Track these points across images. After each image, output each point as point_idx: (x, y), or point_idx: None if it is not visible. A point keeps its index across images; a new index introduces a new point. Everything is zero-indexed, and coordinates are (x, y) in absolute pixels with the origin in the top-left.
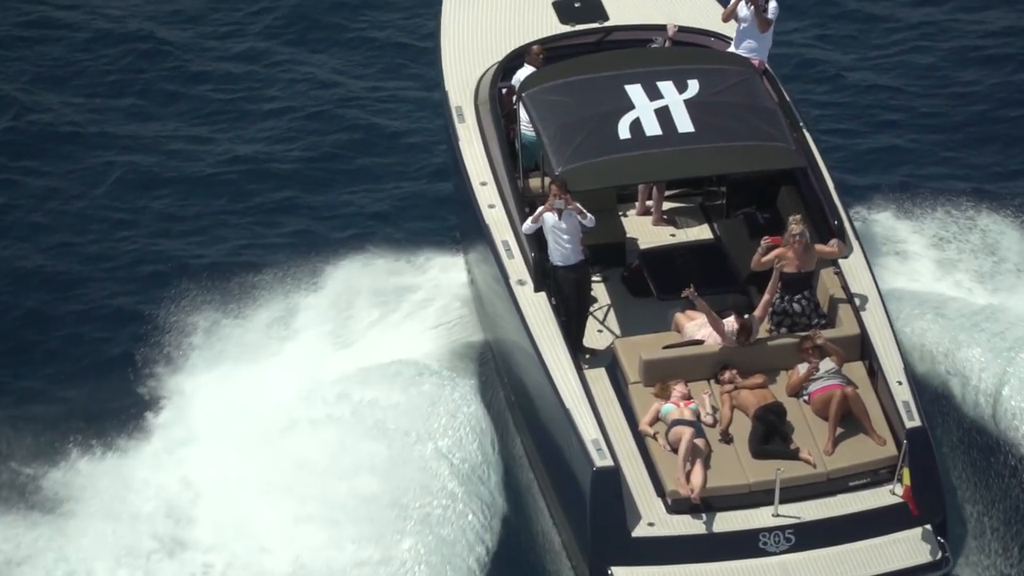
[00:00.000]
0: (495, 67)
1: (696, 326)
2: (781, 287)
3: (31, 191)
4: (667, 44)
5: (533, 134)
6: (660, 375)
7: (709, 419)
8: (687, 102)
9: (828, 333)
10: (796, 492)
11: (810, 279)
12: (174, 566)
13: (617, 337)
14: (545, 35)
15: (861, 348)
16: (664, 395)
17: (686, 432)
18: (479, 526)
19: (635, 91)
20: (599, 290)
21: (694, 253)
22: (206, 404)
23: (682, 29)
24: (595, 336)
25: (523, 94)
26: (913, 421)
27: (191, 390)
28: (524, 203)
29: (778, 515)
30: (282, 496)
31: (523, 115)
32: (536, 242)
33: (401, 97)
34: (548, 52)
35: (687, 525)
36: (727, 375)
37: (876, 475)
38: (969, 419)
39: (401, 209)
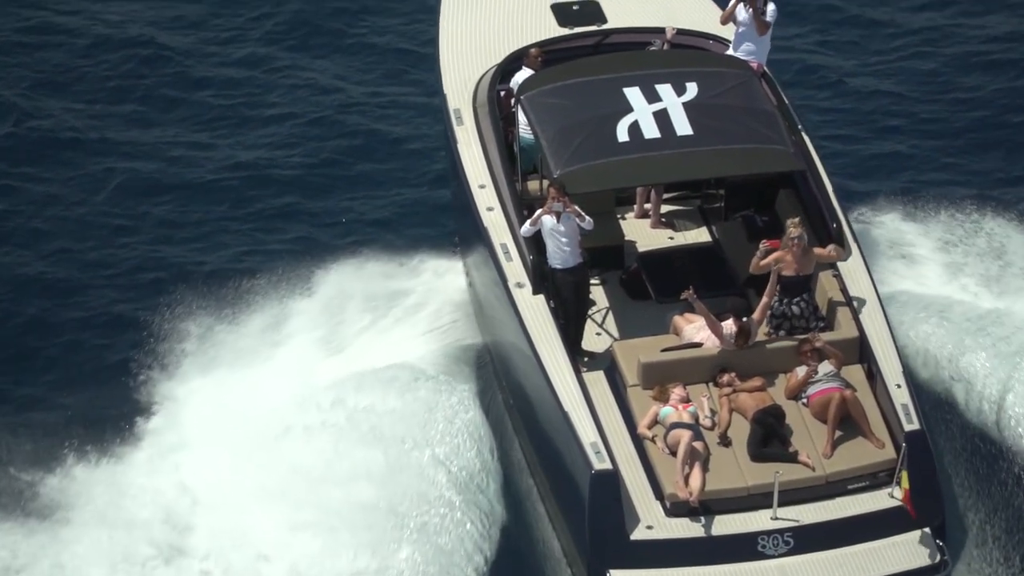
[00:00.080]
0: (493, 70)
1: (695, 329)
2: (780, 290)
3: (31, 197)
4: (665, 47)
5: (532, 137)
6: (659, 378)
7: (708, 422)
8: (686, 105)
9: (827, 336)
10: (795, 495)
11: (809, 282)
12: (171, 573)
13: (616, 340)
14: (543, 38)
15: (860, 351)
16: (663, 398)
17: (685, 435)
18: (477, 535)
19: (633, 94)
20: (597, 293)
21: (692, 256)
22: (201, 410)
23: (680, 32)
24: (594, 339)
25: (522, 97)
26: (912, 424)
27: (186, 396)
28: (523, 206)
29: (777, 518)
30: (278, 503)
31: (522, 118)
32: (535, 245)
33: (402, 103)
34: (546, 55)
35: (686, 528)
36: (726, 378)
37: (875, 478)
38: (972, 426)
39: (402, 216)
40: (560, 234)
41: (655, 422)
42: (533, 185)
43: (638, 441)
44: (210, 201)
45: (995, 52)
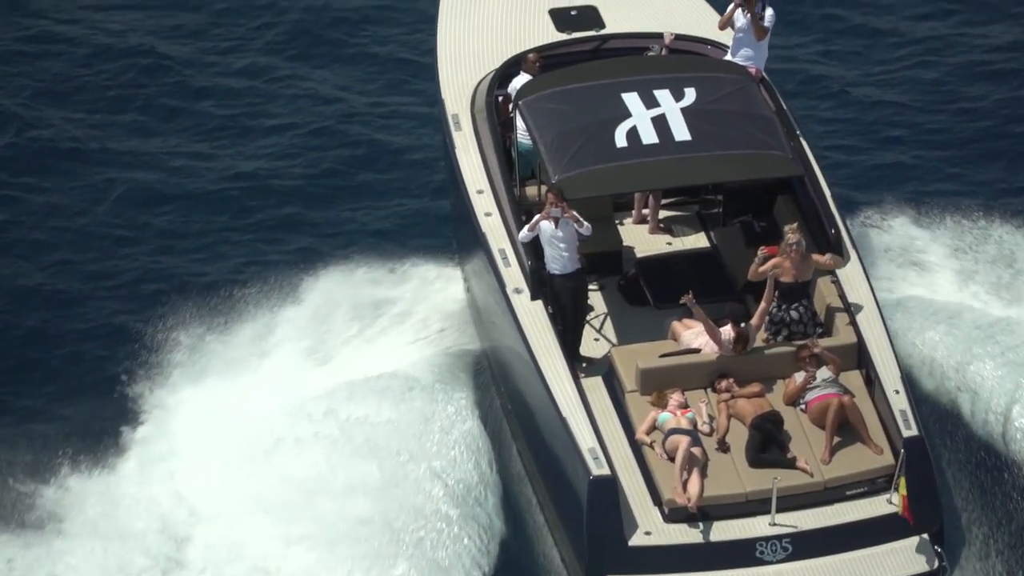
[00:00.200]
0: (492, 75)
1: (693, 335)
2: (778, 296)
3: (32, 208)
4: (664, 52)
5: (530, 142)
6: (657, 384)
7: (706, 428)
8: (684, 110)
9: (825, 342)
10: (793, 501)
11: (807, 288)
12: None
13: (614, 346)
14: (542, 43)
15: (858, 357)
16: (661, 404)
17: (683, 441)
18: (476, 550)
19: (632, 99)
20: (596, 299)
21: (691, 261)
22: (194, 422)
23: (679, 37)
24: (592, 345)
25: (520, 102)
26: (910, 430)
27: (179, 407)
28: (521, 211)
29: (775, 524)
30: (272, 516)
31: (520, 123)
32: (533, 250)
33: (403, 113)
34: (544, 60)
35: (684, 534)
36: (724, 384)
37: (873, 484)
38: (978, 438)
39: (403, 227)
40: (558, 240)
41: (653, 428)
42: (531, 190)
43: (636, 447)
44: (211, 211)
45: (998, 62)
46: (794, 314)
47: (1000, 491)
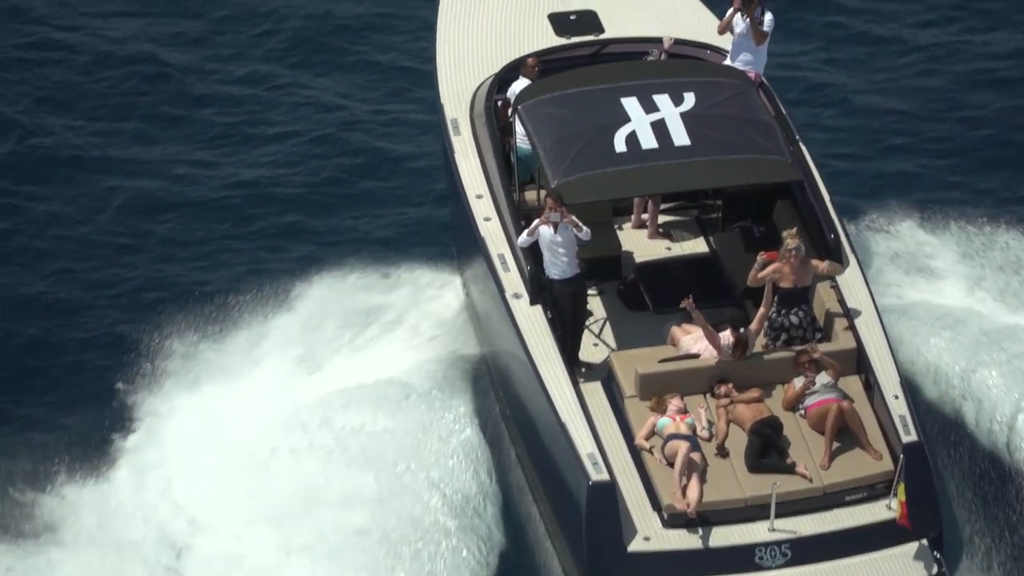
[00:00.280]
0: (491, 79)
1: (692, 340)
2: (778, 301)
3: (33, 216)
4: (663, 57)
5: (529, 147)
6: (656, 389)
7: (705, 433)
8: (683, 115)
9: (824, 347)
10: (792, 507)
11: (806, 293)
12: None
13: (613, 351)
14: (541, 47)
15: (857, 362)
16: (660, 409)
17: (682, 446)
18: (475, 563)
19: (631, 104)
20: (595, 304)
21: (690, 266)
22: (192, 432)
23: (678, 42)
24: (591, 350)
25: (519, 106)
26: (909, 436)
27: (176, 417)
28: (520, 216)
29: (774, 530)
30: (269, 527)
31: (519, 128)
32: (532, 255)
33: (405, 121)
34: (544, 64)
35: (683, 539)
36: (723, 389)
37: (872, 490)
38: (982, 447)
39: (404, 235)
40: (557, 245)
41: (652, 433)
42: (530, 195)
43: (635, 452)
44: (212, 220)
45: (1001, 69)
46: (793, 319)
47: (1004, 502)
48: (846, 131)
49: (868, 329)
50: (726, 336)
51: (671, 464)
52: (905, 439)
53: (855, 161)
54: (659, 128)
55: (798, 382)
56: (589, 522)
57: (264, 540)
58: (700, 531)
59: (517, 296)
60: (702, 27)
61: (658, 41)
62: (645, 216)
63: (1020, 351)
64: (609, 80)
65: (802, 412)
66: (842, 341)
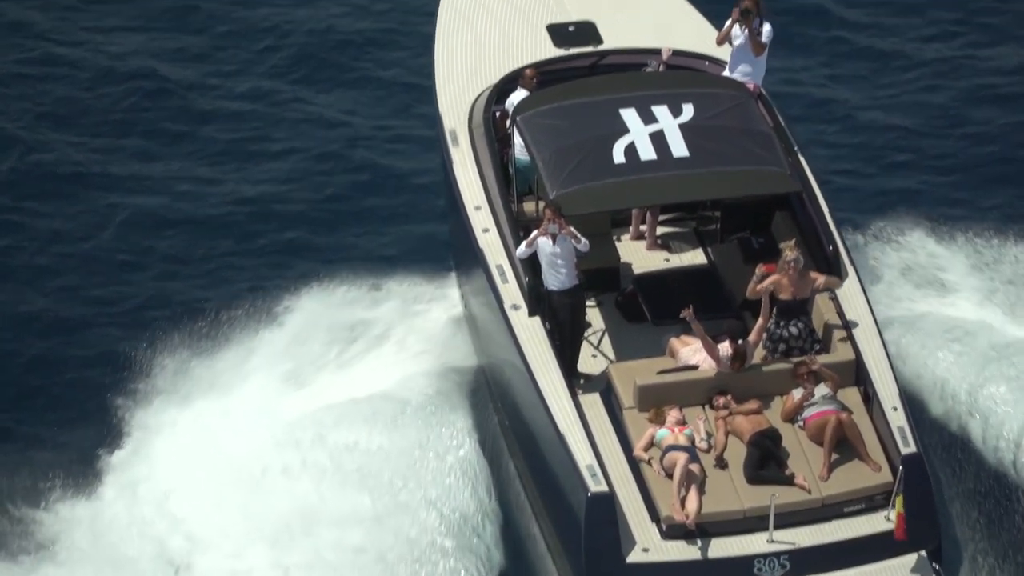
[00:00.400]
0: (489, 90)
1: (691, 351)
2: (777, 313)
3: (34, 233)
4: (661, 68)
5: (527, 158)
6: (655, 400)
7: (704, 444)
8: (682, 126)
9: (823, 358)
10: (791, 518)
11: (805, 305)
12: None
13: (612, 362)
14: (539, 58)
15: (856, 374)
16: (659, 420)
17: (681, 458)
18: None
19: (630, 115)
20: (593, 315)
21: (688, 278)
22: (186, 450)
23: (676, 53)
24: (589, 361)
25: (517, 118)
26: (908, 447)
27: (168, 435)
28: (518, 227)
29: (773, 541)
30: (266, 546)
31: (517, 139)
32: (530, 267)
33: (408, 137)
34: (542, 76)
35: (682, 551)
36: (722, 400)
37: (871, 501)
38: (988, 465)
39: (404, 251)
40: (556, 256)
41: (651, 444)
42: (529, 206)
43: (634, 464)
44: (214, 236)
45: (1005, 85)
46: (793, 330)
47: (1009, 521)
48: (849, 147)
49: (867, 341)
50: (725, 348)
51: (670, 475)
52: (904, 451)
53: (858, 177)
54: (658, 139)
55: (797, 394)
56: (588, 533)
57: (260, 558)
58: (699, 542)
59: (516, 307)
60: (700, 38)
61: (657, 52)
62: (643, 227)
63: None
64: (608, 91)
65: (801, 424)
66: (841, 353)
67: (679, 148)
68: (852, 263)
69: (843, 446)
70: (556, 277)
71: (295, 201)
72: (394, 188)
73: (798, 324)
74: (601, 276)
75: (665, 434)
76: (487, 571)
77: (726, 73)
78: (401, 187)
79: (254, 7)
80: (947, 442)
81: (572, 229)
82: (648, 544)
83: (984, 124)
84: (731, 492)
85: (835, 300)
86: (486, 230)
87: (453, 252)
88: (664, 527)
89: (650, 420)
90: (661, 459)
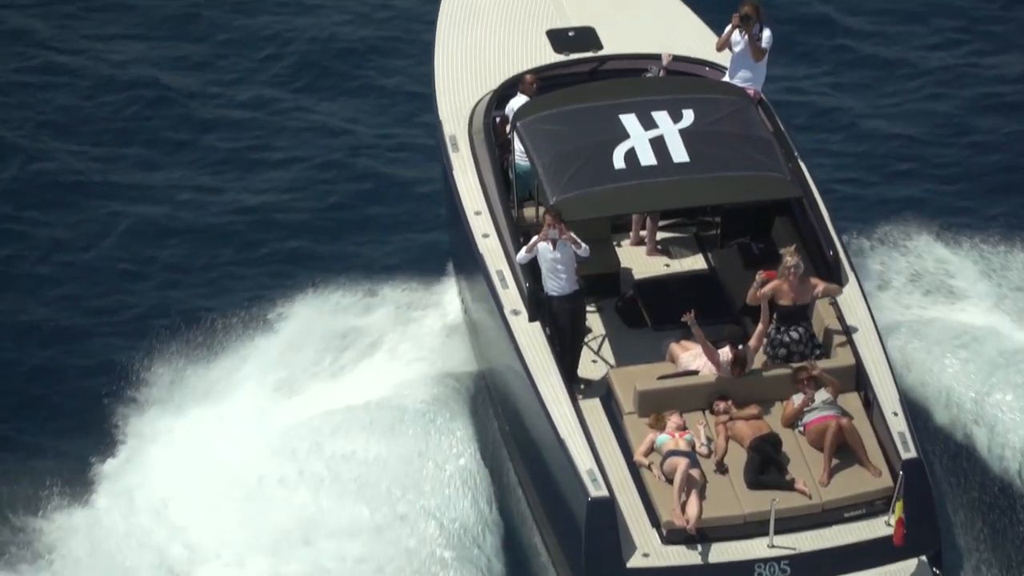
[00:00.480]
0: (489, 96)
1: (691, 357)
2: (777, 319)
3: (35, 242)
4: (662, 73)
5: (527, 163)
6: (655, 406)
7: (704, 450)
8: (682, 132)
9: (823, 364)
10: (791, 523)
11: (806, 311)
12: None
13: (612, 367)
14: (539, 64)
15: (857, 379)
16: (659, 426)
17: (681, 463)
18: None
19: (630, 120)
20: (593, 320)
21: (689, 283)
22: (183, 459)
23: (677, 58)
24: (590, 367)
25: (517, 123)
26: (909, 452)
27: (164, 444)
28: (519, 233)
29: (773, 546)
30: (264, 556)
31: (517, 144)
32: (531, 272)
33: (410, 146)
34: (542, 81)
35: (682, 556)
36: (722, 406)
37: (872, 506)
38: (993, 474)
39: (407, 260)
40: (556, 261)
41: (651, 450)
42: (529, 212)
43: (634, 469)
44: (216, 245)
45: (1009, 93)
46: (793, 335)
47: (1013, 532)
48: (853, 155)
49: (867, 346)
50: (725, 353)
51: (670, 480)
52: (904, 456)
53: (862, 186)
54: (658, 145)
55: (797, 399)
56: (588, 538)
57: (260, 568)
58: (699, 547)
59: (516, 313)
60: (701, 44)
61: (657, 58)
62: (644, 233)
63: None
64: (608, 97)
65: (801, 429)
66: (841, 358)
67: (679, 153)
68: (852, 268)
69: (843, 451)
70: (556, 282)
71: (297, 210)
72: (396, 197)
73: (798, 329)
74: (601, 281)
75: (665, 439)
76: None
77: (726, 79)
78: (403, 196)
79: (255, 15)
80: (952, 451)
81: (572, 234)
82: (648, 549)
83: (989, 133)
84: (731, 497)
85: (835, 305)
86: (486, 235)
87: (453, 257)
88: (664, 532)
89: (650, 425)
90: (661, 464)
